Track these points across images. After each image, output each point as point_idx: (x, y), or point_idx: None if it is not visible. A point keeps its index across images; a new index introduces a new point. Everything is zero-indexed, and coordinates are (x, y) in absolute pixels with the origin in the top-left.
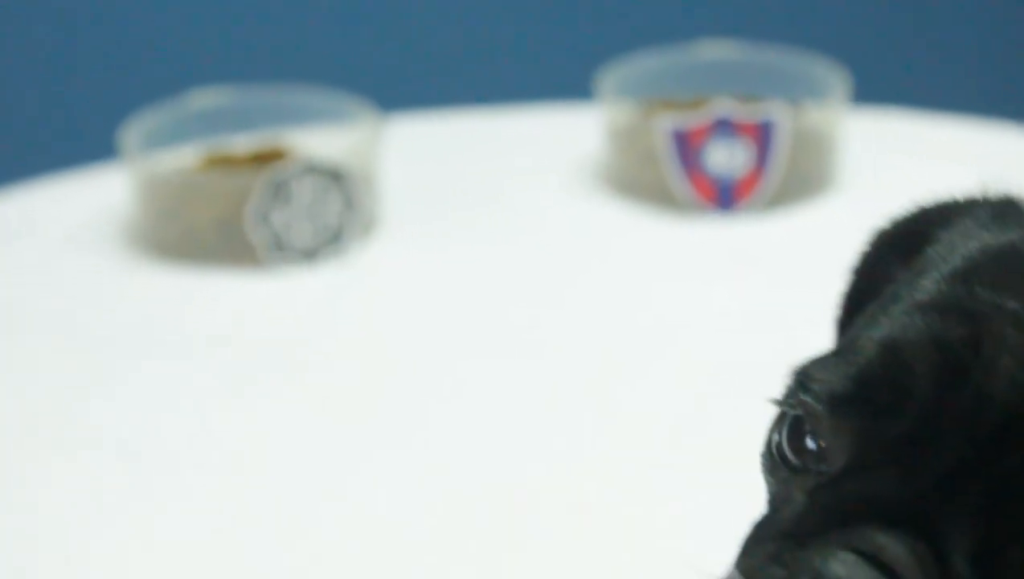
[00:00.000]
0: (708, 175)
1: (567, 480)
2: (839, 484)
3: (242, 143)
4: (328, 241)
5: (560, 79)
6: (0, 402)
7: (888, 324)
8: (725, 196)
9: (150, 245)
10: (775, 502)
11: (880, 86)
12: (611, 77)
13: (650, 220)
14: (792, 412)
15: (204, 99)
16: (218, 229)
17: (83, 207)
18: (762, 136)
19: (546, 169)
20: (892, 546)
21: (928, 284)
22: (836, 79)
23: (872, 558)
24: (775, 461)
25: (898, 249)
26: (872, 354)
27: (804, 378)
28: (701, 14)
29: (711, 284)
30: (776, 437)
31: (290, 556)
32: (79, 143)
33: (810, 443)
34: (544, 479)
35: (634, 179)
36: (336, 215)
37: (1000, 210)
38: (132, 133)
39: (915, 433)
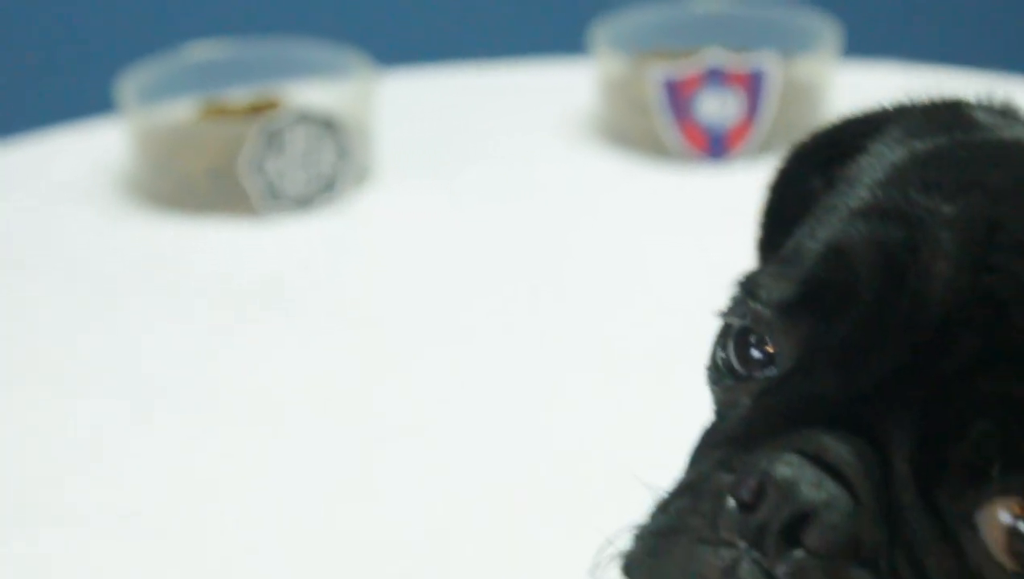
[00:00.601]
0: (699, 125)
1: (560, 423)
2: (785, 387)
3: (238, 95)
4: (321, 190)
5: (554, 33)
6: (3, 338)
7: (829, 231)
8: (716, 145)
9: (147, 194)
10: (721, 411)
11: (870, 39)
12: (604, 31)
13: (642, 169)
14: (740, 322)
15: (200, 52)
16: (213, 178)
17: (81, 159)
18: (752, 86)
19: (540, 121)
20: (836, 447)
21: (863, 192)
22: (826, 31)
23: (816, 459)
24: (720, 371)
25: (815, 162)
26: (817, 259)
27: (751, 287)
28: None
29: (703, 231)
30: (721, 349)
31: (277, 491)
32: (76, 96)
33: (755, 352)
34: (536, 421)
35: (626, 130)
36: (330, 164)
37: (927, 116)
38: (129, 85)
39: (858, 335)
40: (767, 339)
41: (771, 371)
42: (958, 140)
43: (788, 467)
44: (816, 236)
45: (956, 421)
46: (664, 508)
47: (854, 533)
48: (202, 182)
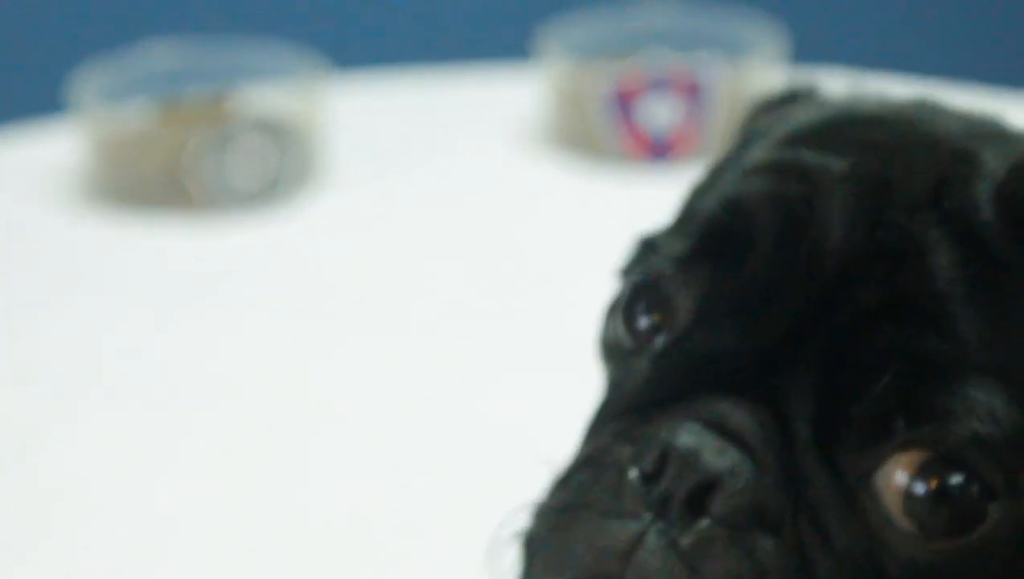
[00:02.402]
0: (644, 130)
1: (497, 416)
2: (682, 346)
3: (190, 95)
4: (271, 191)
5: (500, 39)
6: None
7: (724, 187)
8: (660, 150)
9: (96, 194)
10: (615, 384)
11: (816, 45)
12: (550, 37)
13: (587, 173)
14: (639, 278)
15: (154, 52)
16: (163, 178)
17: (31, 158)
18: (697, 92)
19: (486, 125)
20: (736, 412)
21: (757, 152)
22: (772, 38)
23: (717, 425)
24: (611, 344)
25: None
26: (713, 212)
27: (650, 245)
28: None
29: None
30: (611, 321)
31: (214, 482)
32: (27, 96)
33: (643, 321)
34: (474, 414)
35: (572, 134)
36: (279, 166)
37: (814, 98)
38: (79, 86)
39: (756, 288)
40: (660, 301)
41: (661, 339)
42: (845, 109)
43: (689, 436)
44: (711, 194)
45: (853, 378)
46: (564, 483)
47: (758, 499)
48: (152, 182)
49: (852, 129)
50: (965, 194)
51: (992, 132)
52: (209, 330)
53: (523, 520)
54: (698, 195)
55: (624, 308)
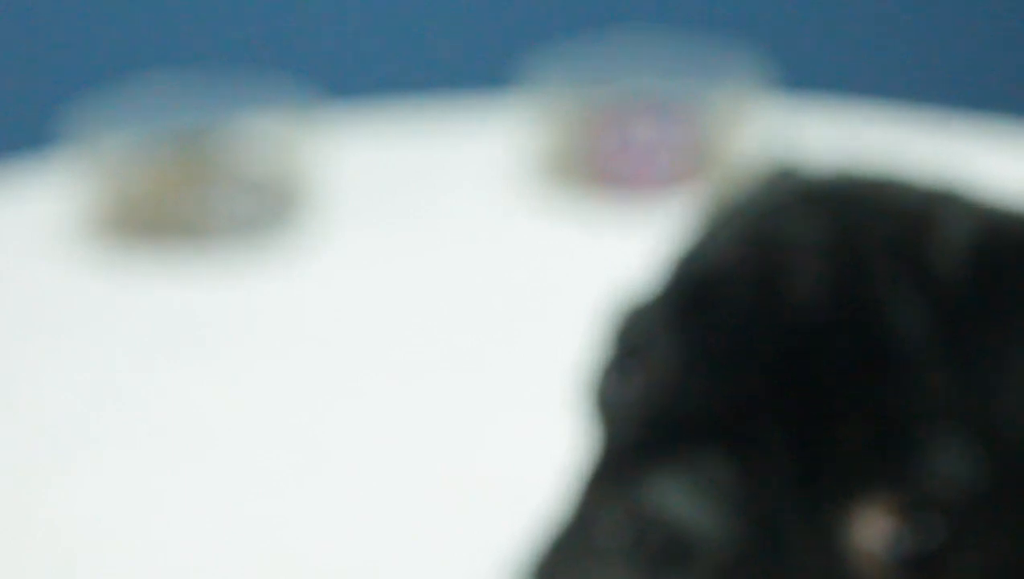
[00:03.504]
0: (628, 156)
1: (494, 461)
2: (664, 403)
3: (179, 132)
4: (265, 228)
5: (484, 67)
6: None
7: (704, 254)
8: (648, 178)
9: (86, 232)
10: (603, 441)
11: (798, 72)
12: (536, 64)
13: (575, 201)
14: (615, 350)
15: (144, 83)
16: (154, 212)
17: (18, 196)
18: (682, 122)
19: (474, 157)
20: (714, 467)
21: (736, 223)
22: (757, 68)
23: (698, 482)
24: (598, 402)
25: None
26: (694, 277)
27: (632, 307)
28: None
29: (637, 260)
30: (598, 381)
31: (208, 528)
32: (17, 128)
33: (626, 381)
34: (470, 461)
35: (556, 162)
36: (273, 204)
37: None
38: (71, 120)
39: (732, 342)
40: (641, 361)
41: (643, 397)
42: (813, 182)
43: (668, 495)
44: (692, 260)
45: (826, 432)
46: (550, 545)
47: (736, 555)
48: (143, 219)
49: (823, 204)
50: (929, 252)
51: (951, 193)
52: (201, 376)
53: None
54: (681, 259)
55: (608, 368)
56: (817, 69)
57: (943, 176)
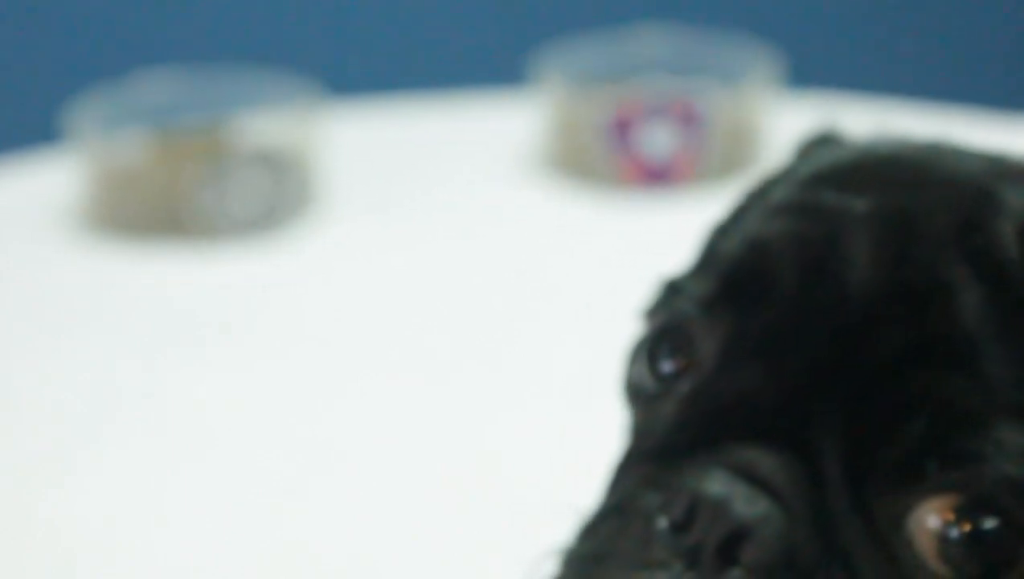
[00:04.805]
0: (641, 156)
1: (499, 450)
2: (708, 390)
3: (186, 124)
4: (267, 220)
5: (497, 66)
6: None
7: (746, 229)
8: (658, 176)
9: (92, 225)
10: (641, 429)
11: (813, 71)
12: (546, 63)
13: (584, 201)
14: (664, 322)
15: (149, 81)
16: (159, 208)
17: (24, 191)
18: (693, 118)
19: (484, 154)
20: (764, 459)
21: (779, 192)
22: (769, 63)
23: (746, 472)
24: (635, 387)
25: None
26: (736, 255)
27: (673, 287)
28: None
29: (645, 263)
30: (633, 365)
31: (220, 518)
32: (20, 127)
33: (666, 366)
34: (476, 448)
35: (568, 161)
36: (275, 194)
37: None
38: (74, 115)
39: (780, 330)
40: (684, 345)
41: (686, 383)
42: (866, 149)
43: (719, 484)
44: (733, 236)
45: (882, 423)
46: (592, 531)
47: (790, 547)
48: (148, 212)
49: (874, 169)
50: (989, 231)
51: (1011, 170)
52: (206, 362)
53: (551, 567)
54: (720, 236)
55: (648, 351)
56: (832, 65)
57: (1000, 151)
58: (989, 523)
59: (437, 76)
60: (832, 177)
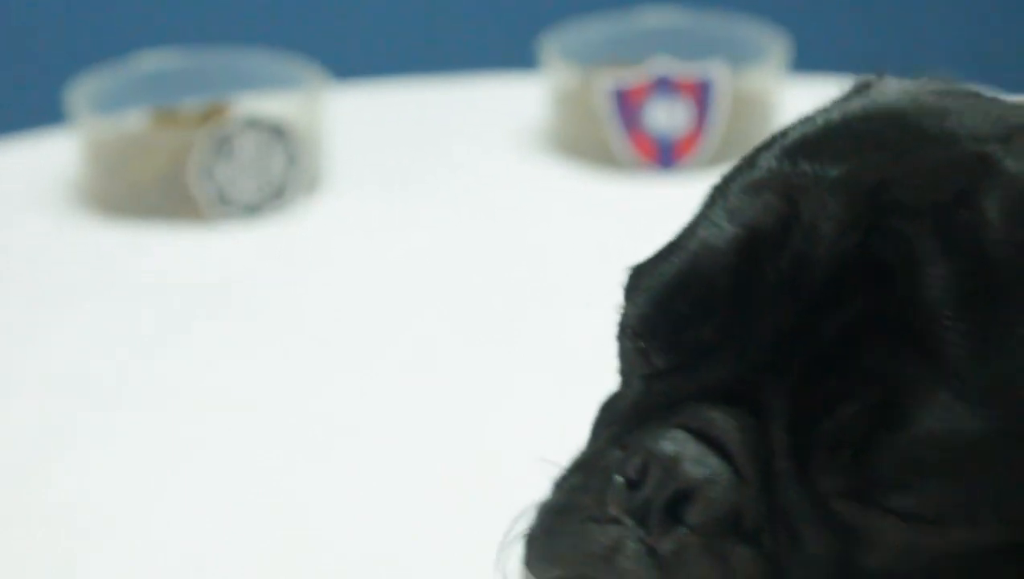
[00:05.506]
0: (648, 135)
1: (505, 426)
2: (674, 358)
3: (188, 104)
4: (271, 197)
5: (504, 45)
6: None
7: (723, 203)
8: (665, 155)
9: (96, 202)
10: (624, 380)
11: (819, 52)
12: (554, 43)
13: (591, 179)
14: (629, 304)
15: (151, 61)
16: (163, 185)
17: (30, 167)
18: (701, 96)
19: (491, 132)
20: (720, 420)
21: (762, 161)
22: (776, 45)
23: (701, 433)
24: (620, 359)
25: None
26: (706, 230)
27: (632, 280)
28: None
29: (651, 241)
30: (619, 341)
31: (222, 493)
32: (25, 106)
33: (639, 341)
34: (483, 424)
35: (576, 140)
36: (279, 172)
37: (856, 89)
38: (78, 95)
39: (744, 302)
40: (653, 323)
41: (657, 354)
42: (867, 105)
43: (671, 443)
44: (711, 212)
45: (828, 395)
46: (560, 485)
47: (735, 508)
48: (152, 189)
49: (864, 132)
50: (973, 205)
51: (1011, 133)
52: (210, 338)
53: (527, 520)
54: (707, 206)
55: (622, 329)
56: (839, 45)
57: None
58: (919, 485)
59: (444, 57)
60: (817, 141)
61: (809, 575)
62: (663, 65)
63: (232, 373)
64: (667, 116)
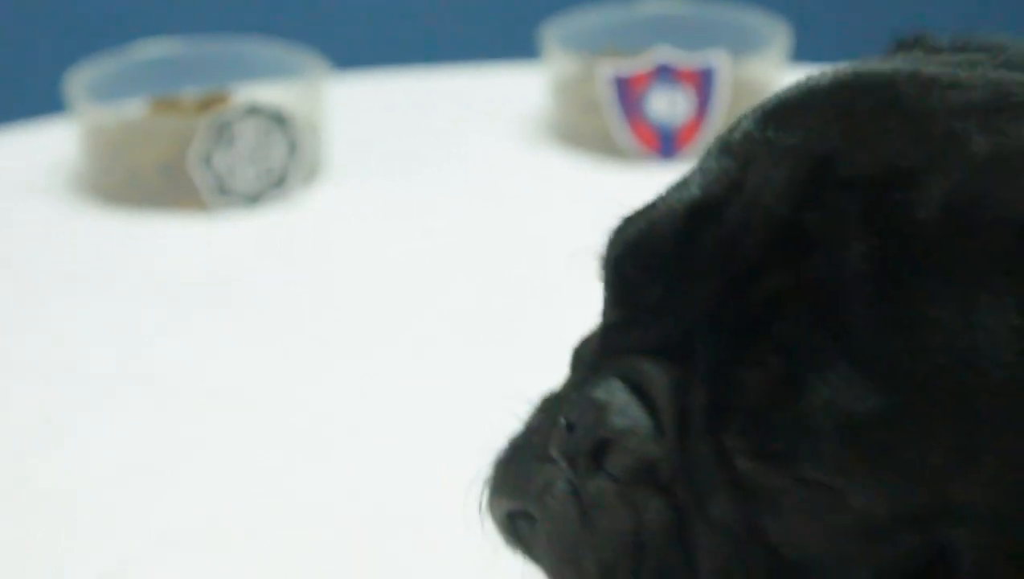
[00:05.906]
0: (650, 123)
1: (514, 420)
2: (621, 325)
3: (188, 92)
4: (271, 186)
5: (505, 35)
6: None
7: (691, 173)
8: (667, 144)
9: (96, 191)
10: (598, 324)
11: (819, 41)
12: (555, 32)
13: (593, 168)
14: (602, 263)
15: (151, 50)
16: (162, 174)
17: (30, 156)
18: (703, 85)
19: (491, 121)
20: (651, 372)
21: (742, 123)
22: (777, 33)
23: (634, 384)
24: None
25: None
26: (665, 197)
27: (613, 233)
28: None
29: None
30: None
31: (219, 484)
32: (25, 94)
33: (605, 296)
34: (487, 416)
35: (578, 129)
36: (279, 160)
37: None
38: (78, 83)
39: (671, 284)
40: (619, 281)
41: (616, 309)
42: (853, 72)
43: (603, 392)
44: (687, 173)
45: (741, 361)
46: (524, 424)
47: (650, 460)
48: (151, 178)
49: (841, 97)
50: (918, 180)
51: (1016, 104)
52: (209, 326)
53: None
54: (698, 161)
55: (597, 277)
56: (840, 35)
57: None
58: (816, 452)
59: (446, 46)
60: (790, 108)
61: (712, 534)
62: (664, 54)
63: (231, 362)
64: (668, 105)
